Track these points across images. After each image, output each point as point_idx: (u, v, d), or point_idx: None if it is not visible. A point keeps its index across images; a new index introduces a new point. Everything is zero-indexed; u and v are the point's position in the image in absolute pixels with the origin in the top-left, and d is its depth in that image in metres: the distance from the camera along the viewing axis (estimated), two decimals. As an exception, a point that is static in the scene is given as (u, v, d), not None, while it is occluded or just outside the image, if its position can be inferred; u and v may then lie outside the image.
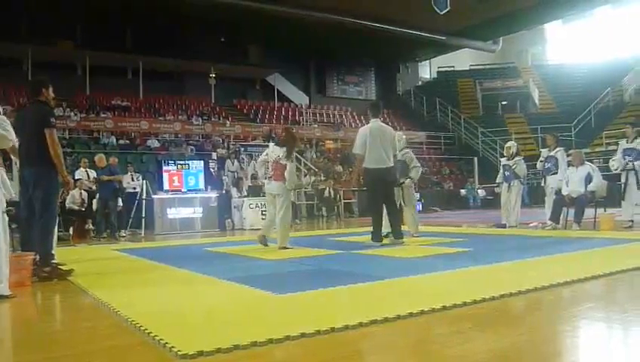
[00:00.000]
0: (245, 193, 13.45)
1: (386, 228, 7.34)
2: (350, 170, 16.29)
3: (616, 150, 9.90)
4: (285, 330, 2.65)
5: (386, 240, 7.12)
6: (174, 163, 12.71)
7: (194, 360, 2.33)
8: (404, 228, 7.51)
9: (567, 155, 9.63)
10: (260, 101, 27.39)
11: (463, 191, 21.44)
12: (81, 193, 10.94)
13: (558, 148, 9.44)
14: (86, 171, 11.53)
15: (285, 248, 6.89)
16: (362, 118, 26.06)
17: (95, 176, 11.21)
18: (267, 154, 7.36)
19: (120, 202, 11.72)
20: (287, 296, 3.64)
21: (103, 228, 10.77)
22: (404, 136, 8.46)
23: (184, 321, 3.06)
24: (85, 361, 2.49)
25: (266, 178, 7.39)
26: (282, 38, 24.71)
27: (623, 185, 9.10)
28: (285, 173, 7.00)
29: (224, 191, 13.51)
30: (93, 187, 11.21)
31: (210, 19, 22.01)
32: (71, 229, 10.72)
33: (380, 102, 8.72)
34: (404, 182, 7.99)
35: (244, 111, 26.06)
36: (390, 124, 25.61)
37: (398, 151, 7.71)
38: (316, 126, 25.04)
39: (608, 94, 24.43)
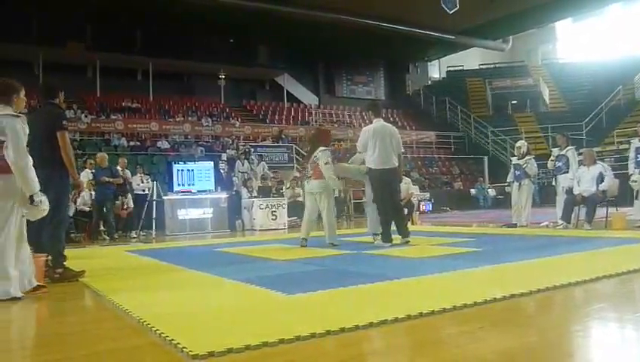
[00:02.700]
0: (255, 194, 13.47)
1: (376, 229, 7.40)
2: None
3: (628, 148, 9.83)
4: (296, 331, 2.66)
5: (396, 241, 7.11)
6: (184, 164, 12.76)
7: (205, 360, 2.34)
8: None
9: (579, 154, 9.58)
10: (270, 102, 27.45)
11: (473, 191, 21.37)
12: (91, 194, 10.98)
13: (568, 147, 9.39)
14: (92, 172, 11.47)
15: (334, 244, 7.09)
16: (367, 119, 25.99)
17: (91, 176, 11.02)
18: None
19: (131, 203, 11.79)
20: (297, 296, 3.65)
21: (114, 229, 10.78)
22: None
23: (195, 322, 3.07)
24: (97, 362, 2.51)
25: (306, 178, 7.46)
26: (291, 38, 24.75)
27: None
28: (325, 177, 7.17)
29: (234, 192, 13.53)
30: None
31: (219, 21, 22.07)
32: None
33: (378, 101, 8.76)
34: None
35: (254, 111, 26.13)
36: (400, 123, 25.73)
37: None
38: (326, 126, 25.05)
39: (619, 92, 24.23)
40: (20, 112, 4.19)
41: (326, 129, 7.90)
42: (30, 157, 4.11)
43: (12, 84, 4.31)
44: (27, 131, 4.13)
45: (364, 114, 27.49)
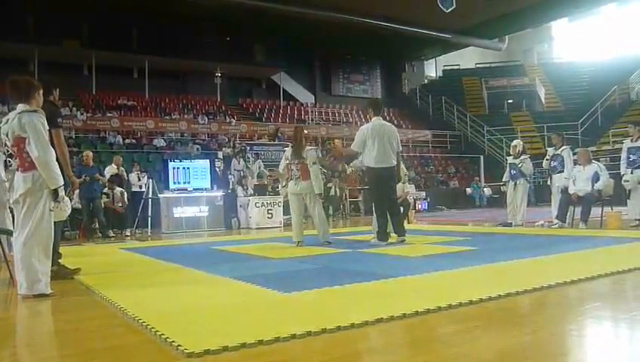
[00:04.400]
0: (251, 192, 13.46)
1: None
2: (352, 169, 16.23)
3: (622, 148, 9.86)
4: (291, 329, 2.66)
5: (391, 239, 7.10)
6: (180, 162, 12.74)
7: (200, 358, 2.34)
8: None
9: (574, 154, 9.60)
10: (266, 100, 27.44)
11: (468, 190, 21.41)
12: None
13: (564, 147, 9.42)
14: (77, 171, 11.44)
15: (329, 242, 7.14)
16: (368, 116, 26.00)
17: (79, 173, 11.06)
18: (288, 158, 7.39)
19: (126, 200, 11.77)
20: (293, 294, 3.65)
21: (106, 227, 10.76)
22: None
23: (191, 320, 3.07)
24: (91, 360, 2.50)
25: (292, 179, 7.35)
26: (288, 37, 24.79)
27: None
28: (312, 177, 7.17)
29: (230, 190, 13.52)
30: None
31: (215, 19, 22.07)
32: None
33: (379, 99, 8.67)
34: None
35: (250, 110, 26.11)
36: (396, 122, 25.70)
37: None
38: (322, 125, 25.03)
39: (615, 92, 24.30)
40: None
41: (299, 129, 7.75)
42: (53, 151, 4.12)
43: (33, 82, 4.35)
44: (47, 126, 4.13)
45: (360, 112, 27.51)
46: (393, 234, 7.11)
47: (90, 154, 11.22)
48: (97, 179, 10.72)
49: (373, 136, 7.00)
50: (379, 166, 6.99)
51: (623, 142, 9.84)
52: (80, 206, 10.94)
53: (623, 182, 8.98)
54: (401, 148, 7.42)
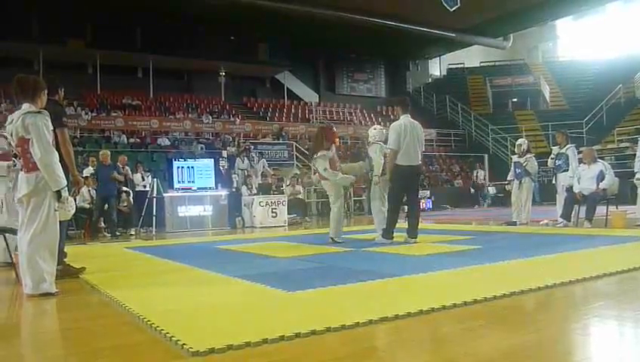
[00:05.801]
0: (255, 191, 13.48)
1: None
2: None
3: (627, 147, 9.82)
4: (296, 328, 2.66)
5: (397, 239, 7.07)
6: (185, 161, 12.75)
7: (205, 357, 2.35)
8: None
9: (578, 153, 9.58)
10: (270, 99, 27.41)
11: (473, 189, 21.35)
12: (89, 191, 10.98)
13: (568, 146, 9.39)
14: (93, 169, 11.55)
15: (334, 241, 7.15)
16: (372, 115, 26.05)
17: (92, 172, 11.15)
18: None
19: (131, 200, 11.80)
20: (297, 293, 3.65)
21: (116, 227, 10.81)
22: (383, 130, 8.12)
23: (196, 319, 3.08)
24: (97, 358, 2.51)
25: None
26: (292, 36, 24.73)
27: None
28: (329, 180, 7.23)
29: (234, 189, 13.53)
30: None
31: (219, 18, 22.05)
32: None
33: (407, 98, 8.56)
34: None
35: (254, 109, 26.10)
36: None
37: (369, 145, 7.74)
38: (326, 123, 25.03)
39: (620, 91, 24.20)
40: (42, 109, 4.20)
41: (328, 126, 7.74)
42: (56, 153, 4.12)
43: (40, 81, 4.36)
44: (51, 127, 4.13)
45: (364, 111, 27.48)
46: (399, 234, 7.09)
47: (108, 152, 11.29)
48: (116, 180, 10.78)
49: (405, 133, 6.98)
50: (407, 164, 6.93)
51: (638, 140, 9.77)
52: (85, 205, 10.99)
53: (635, 181, 8.93)
54: (424, 148, 7.37)
